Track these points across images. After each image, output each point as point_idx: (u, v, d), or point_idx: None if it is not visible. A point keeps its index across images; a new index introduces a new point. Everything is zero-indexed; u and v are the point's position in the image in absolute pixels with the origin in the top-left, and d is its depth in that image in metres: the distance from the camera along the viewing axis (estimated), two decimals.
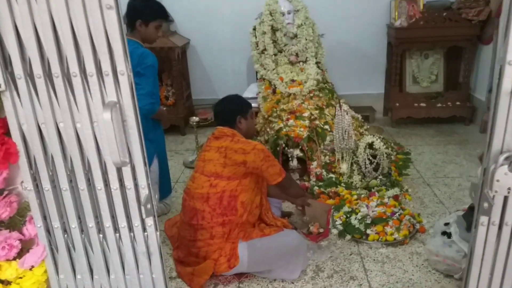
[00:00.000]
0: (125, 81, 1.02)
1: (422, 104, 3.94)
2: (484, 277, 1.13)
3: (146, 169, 1.10)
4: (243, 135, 2.10)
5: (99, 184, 1.11)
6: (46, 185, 1.12)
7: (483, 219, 1.09)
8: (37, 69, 1.02)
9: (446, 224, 2.08)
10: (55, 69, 1.02)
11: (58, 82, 1.03)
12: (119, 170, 1.09)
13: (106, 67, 1.00)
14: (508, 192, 1.02)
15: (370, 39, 4.17)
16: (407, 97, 4.01)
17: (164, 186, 2.55)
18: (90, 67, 1.01)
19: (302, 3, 3.59)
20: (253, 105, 3.56)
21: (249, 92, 3.82)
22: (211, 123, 4.20)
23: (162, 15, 2.35)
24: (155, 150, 2.41)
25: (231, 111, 2.11)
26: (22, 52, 1.02)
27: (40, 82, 1.03)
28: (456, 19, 3.70)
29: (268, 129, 3.12)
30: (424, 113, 3.92)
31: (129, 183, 1.10)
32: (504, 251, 1.10)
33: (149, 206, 1.10)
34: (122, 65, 1.00)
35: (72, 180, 1.13)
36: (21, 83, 1.03)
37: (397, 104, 3.98)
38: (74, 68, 1.01)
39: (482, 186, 1.08)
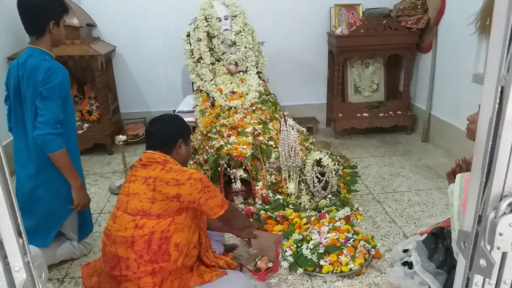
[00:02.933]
0: None
1: (365, 114, 3.85)
2: None
3: (22, 241, 0.74)
4: (180, 162, 1.77)
5: None
6: None
7: (478, 278, 0.87)
8: None
9: (405, 251, 1.90)
10: None
11: None
12: None
13: None
14: None
15: (311, 48, 4.02)
16: (349, 107, 3.90)
17: (83, 222, 2.13)
18: None
19: (239, 8, 3.33)
20: (190, 119, 3.25)
21: (185, 104, 3.48)
22: (142, 139, 3.81)
23: (66, 8, 1.96)
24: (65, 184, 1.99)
25: (173, 132, 1.77)
26: None
27: None
28: (396, 27, 3.66)
29: (207, 147, 2.81)
30: (367, 123, 3.84)
31: None
32: None
33: None
34: None
35: None
36: None
37: (340, 115, 3.86)
38: None
39: (476, 237, 0.86)
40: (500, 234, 0.80)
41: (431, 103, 3.65)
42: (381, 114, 3.86)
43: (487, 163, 0.84)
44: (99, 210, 2.68)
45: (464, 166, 1.75)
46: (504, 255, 0.87)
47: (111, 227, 1.66)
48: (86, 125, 3.55)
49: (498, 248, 0.81)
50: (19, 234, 0.74)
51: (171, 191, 1.60)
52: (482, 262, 0.84)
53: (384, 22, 3.65)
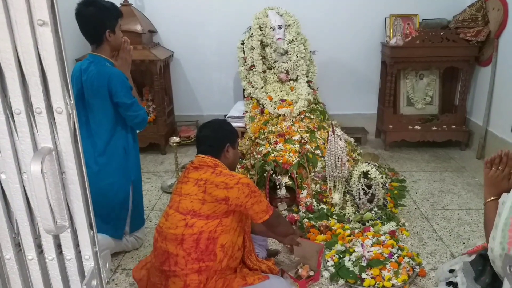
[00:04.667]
0: (63, 121, 0.76)
1: (417, 127, 3.75)
2: None
3: (92, 234, 0.84)
4: (227, 165, 1.85)
5: (30, 252, 0.84)
6: None
7: None
8: None
9: (451, 271, 1.85)
10: None
11: None
12: (56, 235, 0.83)
13: (38, 103, 0.75)
14: None
15: (363, 58, 3.99)
16: (401, 119, 3.82)
17: (136, 216, 2.28)
18: (17, 103, 0.75)
19: (293, 18, 3.38)
20: (239, 124, 3.35)
21: (236, 110, 3.59)
22: (194, 141, 3.96)
23: (120, 12, 2.11)
24: (131, 171, 2.17)
25: (221, 137, 1.86)
26: None
27: None
28: (454, 38, 3.54)
29: (254, 153, 2.88)
30: (419, 136, 3.74)
31: (69, 252, 0.84)
32: None
33: (94, 283, 0.84)
34: (60, 101, 0.75)
35: None
36: None
37: (391, 127, 3.79)
38: None
39: None
40: None
41: (488, 119, 3.50)
42: (434, 128, 3.74)
43: None
44: (151, 207, 2.83)
45: (505, 159, 1.66)
46: None
47: (163, 224, 1.77)
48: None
49: None
50: (90, 227, 0.84)
51: (220, 193, 1.68)
52: None
53: (442, 33, 3.55)
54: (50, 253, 0.84)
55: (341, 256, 2.14)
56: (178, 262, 1.68)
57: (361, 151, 3.28)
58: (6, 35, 0.72)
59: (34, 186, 0.73)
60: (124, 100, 2.02)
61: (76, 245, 0.85)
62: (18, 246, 0.86)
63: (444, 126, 3.75)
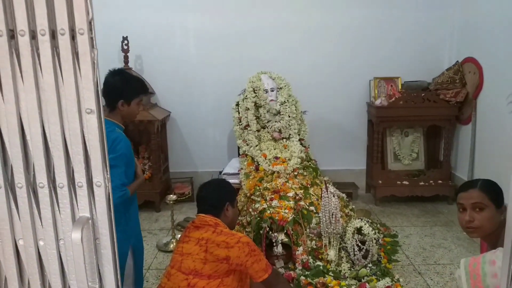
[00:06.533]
0: (101, 193, 0.87)
1: (405, 182, 3.91)
2: None
3: None
4: (227, 224, 1.94)
5: None
6: None
7: None
8: None
9: None
10: (19, 178, 0.87)
11: (21, 193, 0.87)
12: None
13: (80, 177, 0.86)
14: None
15: (351, 116, 4.22)
16: (389, 175, 3.98)
17: (138, 278, 2.30)
18: (61, 178, 0.86)
19: (285, 81, 3.62)
20: (235, 181, 3.45)
21: (230, 167, 3.71)
22: (189, 198, 4.04)
23: (143, 90, 2.25)
24: (129, 238, 2.20)
25: (220, 197, 1.96)
26: None
27: (0, 193, 0.87)
28: (434, 99, 3.80)
29: (250, 210, 2.96)
30: (408, 191, 3.88)
31: None
32: None
33: None
34: (100, 176, 0.86)
35: None
36: None
37: (380, 182, 3.93)
38: (41, 178, 0.86)
39: None
40: None
41: (472, 174, 3.67)
42: (422, 183, 3.90)
43: None
44: (147, 267, 2.84)
45: None
46: None
47: (165, 284, 1.81)
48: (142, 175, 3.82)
49: None
50: (116, 286, 0.92)
51: (221, 253, 1.75)
52: None
53: (423, 94, 3.82)
54: None
55: None
56: None
57: (353, 206, 3.38)
58: (57, 120, 0.84)
59: (74, 252, 0.82)
60: (116, 163, 2.02)
61: None
62: None
63: (431, 181, 3.91)
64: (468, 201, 1.61)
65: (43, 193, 0.87)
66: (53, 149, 0.86)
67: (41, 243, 0.90)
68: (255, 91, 3.53)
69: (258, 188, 3.14)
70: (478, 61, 3.59)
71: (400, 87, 4.06)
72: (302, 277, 2.52)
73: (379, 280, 2.49)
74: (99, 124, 0.86)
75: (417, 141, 4.09)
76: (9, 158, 0.87)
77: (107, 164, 0.88)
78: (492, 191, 1.63)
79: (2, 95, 0.85)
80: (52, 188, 0.87)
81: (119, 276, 0.93)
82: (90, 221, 0.87)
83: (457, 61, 3.86)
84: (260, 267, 1.82)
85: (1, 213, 0.89)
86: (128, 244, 2.21)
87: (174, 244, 3.07)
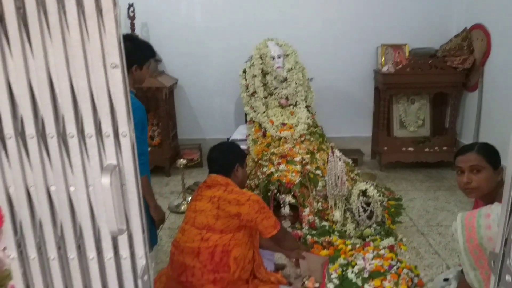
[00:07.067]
0: (127, 143, 0.94)
1: (410, 149, 3.96)
2: None
3: (144, 236, 1.00)
4: (237, 184, 2.02)
5: (91, 253, 1.00)
6: (32, 253, 1.01)
7: None
8: (30, 129, 0.94)
9: (446, 279, 2.01)
10: (50, 128, 0.93)
11: (53, 142, 0.94)
12: (114, 238, 1.00)
13: (106, 128, 0.93)
14: None
15: (358, 84, 4.23)
16: (395, 141, 4.03)
17: (152, 235, 2.41)
18: (89, 128, 0.93)
19: (292, 48, 3.62)
20: (242, 147, 3.53)
21: (238, 133, 3.78)
22: (197, 163, 4.14)
23: (153, 54, 2.30)
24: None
25: (230, 159, 2.04)
26: (14, 109, 0.94)
27: (32, 142, 0.94)
28: (442, 66, 3.80)
29: (258, 173, 3.05)
30: (413, 157, 3.94)
31: (124, 252, 1.00)
32: None
33: (146, 277, 1.00)
34: (125, 127, 0.93)
35: (61, 248, 1.02)
36: (11, 143, 0.94)
37: (386, 148, 3.99)
38: (71, 128, 0.93)
39: (503, 257, 1.02)
40: None
41: (477, 141, 3.71)
42: (427, 149, 3.95)
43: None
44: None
45: None
46: None
47: (180, 239, 1.92)
48: (148, 149, 3.92)
49: None
50: (143, 230, 1.00)
51: (232, 209, 1.85)
52: (508, 278, 1.01)
53: (430, 61, 3.81)
54: (108, 253, 1.00)
55: (344, 269, 2.29)
56: (195, 273, 1.82)
57: (359, 171, 3.46)
58: (84, 74, 0.90)
59: (104, 196, 0.90)
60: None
61: (130, 246, 1.01)
62: (79, 248, 1.02)
63: (436, 148, 3.96)
64: (466, 164, 1.67)
65: (73, 143, 0.94)
66: (81, 101, 0.92)
67: (71, 189, 0.98)
68: (262, 58, 3.55)
69: (265, 153, 3.22)
70: (486, 28, 3.56)
71: (407, 54, 4.05)
72: (309, 236, 2.63)
73: (383, 239, 2.60)
74: (123, 78, 0.91)
75: (423, 108, 4.11)
76: (39, 110, 0.93)
77: (131, 116, 0.95)
78: (489, 153, 1.69)
79: (32, 51, 0.90)
80: (81, 137, 0.94)
81: (144, 220, 1.01)
82: (117, 168, 0.94)
83: (465, 27, 3.83)
84: (269, 224, 1.91)
85: (34, 162, 0.96)
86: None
87: (185, 206, 3.19)
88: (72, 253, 1.01)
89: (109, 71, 0.90)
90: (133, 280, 1.01)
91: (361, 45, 4.13)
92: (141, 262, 1.01)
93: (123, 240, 0.99)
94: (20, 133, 0.95)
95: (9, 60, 0.91)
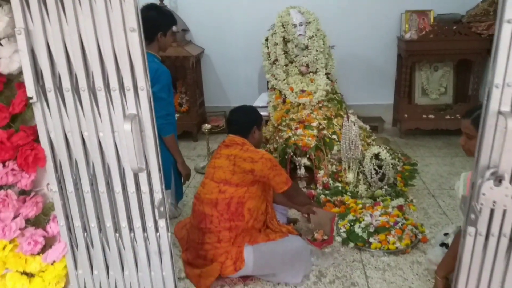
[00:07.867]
0: (144, 96, 1.13)
1: (431, 116, 3.99)
2: (472, 284, 1.20)
3: (160, 175, 1.20)
4: (253, 144, 2.20)
5: (117, 187, 1.22)
6: (70, 187, 1.24)
7: (471, 229, 1.17)
8: (66, 83, 1.14)
9: (446, 234, 2.14)
10: (82, 83, 1.13)
11: (84, 95, 1.14)
12: (136, 176, 1.20)
13: (127, 83, 1.11)
14: (493, 205, 1.10)
15: (380, 51, 4.25)
16: (416, 109, 4.06)
17: (176, 191, 2.66)
18: (114, 83, 1.12)
19: (313, 15, 3.68)
20: (263, 113, 3.69)
21: (260, 101, 3.93)
22: (223, 130, 4.35)
23: (175, 21, 2.47)
24: (169, 157, 2.53)
25: (248, 121, 2.21)
26: (52, 67, 1.14)
27: (68, 95, 1.15)
28: (466, 32, 3.75)
29: (277, 138, 3.22)
30: (433, 124, 3.97)
31: (144, 187, 1.20)
32: (490, 260, 1.17)
33: (162, 208, 1.20)
34: (142, 82, 1.11)
35: (93, 183, 1.24)
36: (51, 96, 1.15)
37: (406, 116, 4.04)
38: (99, 83, 1.12)
39: (470, 199, 1.16)
40: (483, 194, 1.10)
41: None
42: (448, 117, 3.96)
43: (478, 144, 1.14)
44: (187, 185, 3.20)
45: None
46: (492, 212, 1.17)
47: (201, 191, 2.14)
48: (177, 115, 4.14)
49: (482, 205, 1.11)
50: (159, 170, 1.20)
51: (247, 166, 2.03)
52: (473, 216, 1.15)
53: (454, 28, 3.77)
54: (131, 188, 1.21)
55: (352, 224, 2.45)
56: (213, 221, 2.04)
57: (375, 137, 3.56)
58: (108, 37, 1.09)
59: (127, 139, 1.09)
60: (161, 95, 2.30)
61: (149, 183, 1.21)
62: (107, 183, 1.24)
63: (457, 115, 3.96)
64: (462, 128, 1.77)
65: (101, 95, 1.14)
66: (106, 60, 1.11)
67: (101, 134, 1.18)
68: (284, 26, 3.64)
69: (284, 119, 3.36)
70: None
71: (432, 20, 4.01)
72: (322, 196, 2.80)
73: (393, 200, 2.73)
74: (140, 41, 1.09)
75: (446, 75, 4.09)
76: (73, 68, 1.13)
77: (148, 73, 1.13)
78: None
79: (66, 18, 1.09)
80: (107, 91, 1.13)
81: (160, 161, 1.20)
82: (136, 117, 1.13)
83: None
84: (281, 180, 2.09)
85: (70, 111, 1.17)
86: (170, 162, 2.54)
87: None
88: (102, 188, 1.23)
89: (129, 34, 1.08)
90: (151, 210, 1.23)
91: (384, 11, 4.11)
92: (158, 196, 1.21)
93: (143, 178, 1.20)
94: (58, 87, 1.15)
95: (48, 26, 1.10)
